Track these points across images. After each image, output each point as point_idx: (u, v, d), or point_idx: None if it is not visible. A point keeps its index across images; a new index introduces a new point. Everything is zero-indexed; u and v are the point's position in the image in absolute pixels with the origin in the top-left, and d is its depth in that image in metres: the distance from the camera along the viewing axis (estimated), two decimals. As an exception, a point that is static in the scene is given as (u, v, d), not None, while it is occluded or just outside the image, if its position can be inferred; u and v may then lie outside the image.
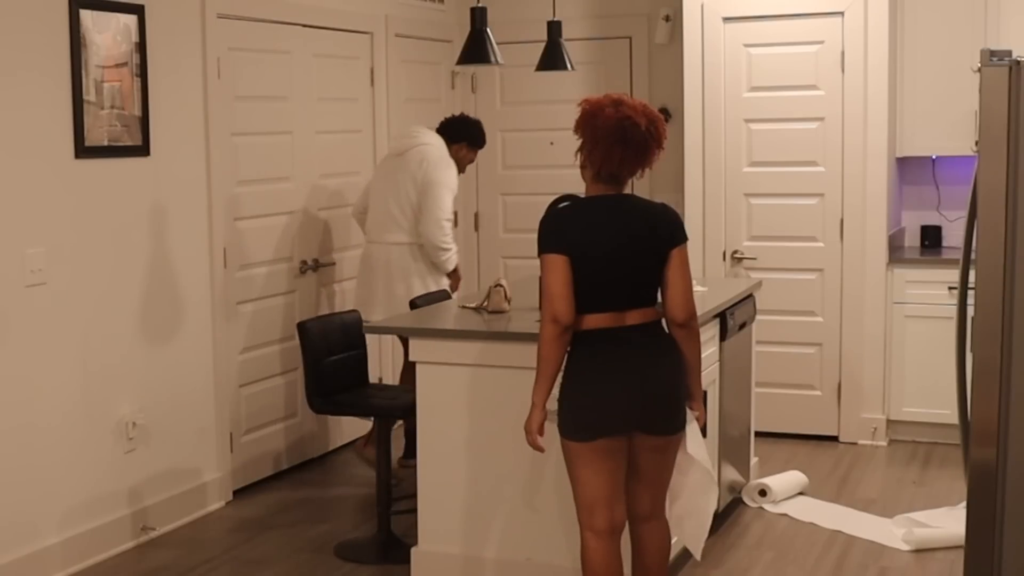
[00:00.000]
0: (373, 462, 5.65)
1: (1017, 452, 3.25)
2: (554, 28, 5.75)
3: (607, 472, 3.59)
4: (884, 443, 6.33)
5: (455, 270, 5.97)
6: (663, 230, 3.61)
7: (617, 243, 3.55)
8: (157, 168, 5.09)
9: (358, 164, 6.51)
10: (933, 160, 6.67)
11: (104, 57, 4.77)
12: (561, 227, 3.58)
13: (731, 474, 5.15)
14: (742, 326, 5.16)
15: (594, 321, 3.57)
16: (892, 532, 5.00)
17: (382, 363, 6.62)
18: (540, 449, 3.65)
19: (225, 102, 5.50)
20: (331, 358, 4.96)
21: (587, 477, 3.60)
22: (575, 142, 3.67)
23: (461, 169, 6.03)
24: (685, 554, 4.42)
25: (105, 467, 4.87)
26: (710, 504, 3.85)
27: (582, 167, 3.66)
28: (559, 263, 3.52)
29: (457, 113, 6.36)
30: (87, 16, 4.68)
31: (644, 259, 3.58)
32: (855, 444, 6.36)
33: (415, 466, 4.57)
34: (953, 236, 6.62)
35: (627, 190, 3.69)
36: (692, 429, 3.73)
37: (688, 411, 3.70)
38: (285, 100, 5.94)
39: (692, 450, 3.74)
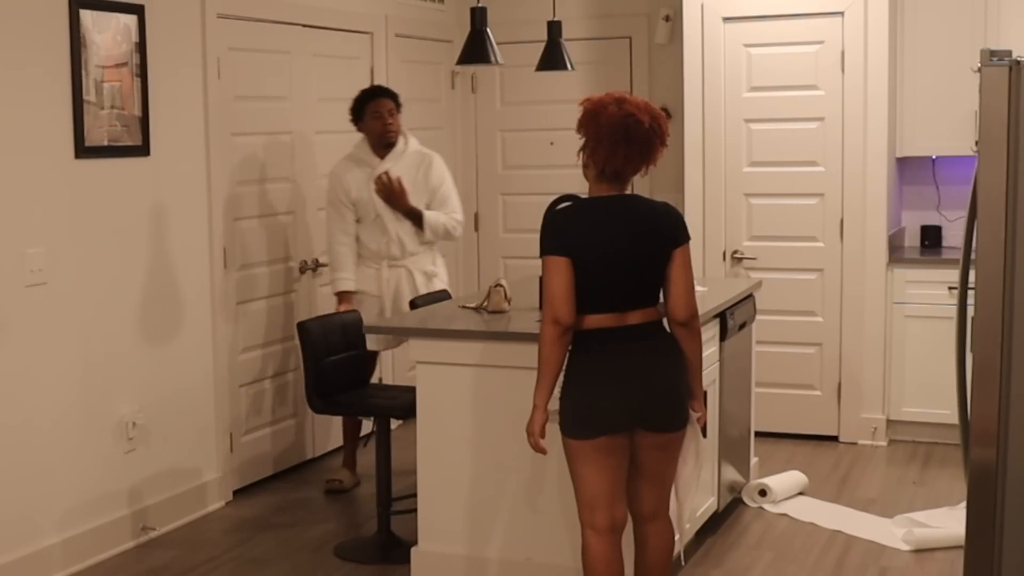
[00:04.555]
0: (345, 485, 5.71)
1: (1017, 452, 3.25)
2: (554, 28, 5.75)
3: (608, 470, 3.59)
4: (884, 443, 6.33)
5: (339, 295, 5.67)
6: (666, 229, 3.61)
7: (619, 244, 3.55)
8: (157, 168, 5.09)
9: (358, 164, 6.50)
10: (933, 160, 6.67)
11: (104, 57, 4.77)
12: (563, 228, 3.57)
13: (731, 474, 5.15)
14: (742, 326, 5.16)
15: (596, 321, 3.57)
16: (892, 532, 5.00)
17: (382, 363, 6.62)
18: (542, 451, 3.65)
19: (225, 102, 5.50)
20: (331, 358, 4.96)
21: (588, 475, 3.60)
22: (575, 142, 3.66)
23: (376, 136, 5.60)
24: (685, 554, 4.43)
25: (105, 467, 4.87)
26: (691, 506, 3.85)
27: (585, 167, 3.65)
28: (561, 265, 3.51)
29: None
30: (87, 16, 4.68)
31: (647, 259, 3.58)
32: (855, 444, 6.36)
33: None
34: (953, 236, 6.62)
35: (629, 189, 3.69)
36: (692, 431, 3.73)
37: (690, 411, 3.70)
38: (285, 100, 5.94)
39: (690, 451, 3.74)
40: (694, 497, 3.85)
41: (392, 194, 5.54)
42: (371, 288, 5.65)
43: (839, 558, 4.76)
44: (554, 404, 3.61)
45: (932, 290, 6.20)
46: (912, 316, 6.26)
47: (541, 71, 5.85)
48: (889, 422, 6.38)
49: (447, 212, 5.68)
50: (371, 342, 5.36)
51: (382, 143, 5.61)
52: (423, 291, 5.62)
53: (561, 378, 3.61)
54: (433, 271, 5.74)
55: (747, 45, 6.42)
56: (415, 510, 4.58)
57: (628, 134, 3.53)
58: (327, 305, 6.15)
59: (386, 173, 5.54)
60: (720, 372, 4.87)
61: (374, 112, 5.60)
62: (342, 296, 5.62)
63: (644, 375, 3.56)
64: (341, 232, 5.61)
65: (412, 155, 5.67)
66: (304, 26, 6.03)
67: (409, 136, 5.73)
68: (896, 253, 6.41)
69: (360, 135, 5.68)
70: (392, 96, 5.67)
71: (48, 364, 4.60)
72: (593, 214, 3.60)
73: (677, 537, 3.88)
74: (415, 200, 5.58)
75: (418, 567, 4.54)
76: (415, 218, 5.59)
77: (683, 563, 4.40)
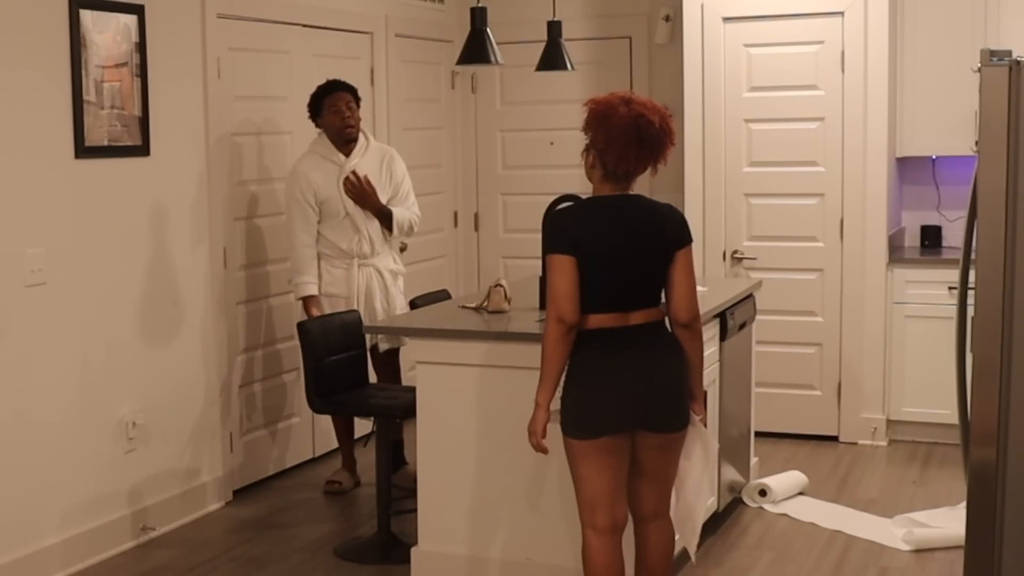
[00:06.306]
0: (345, 487, 5.70)
1: (1017, 452, 3.25)
2: (554, 28, 5.75)
3: (609, 470, 3.59)
4: (884, 443, 6.33)
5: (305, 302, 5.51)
6: (670, 231, 3.61)
7: (623, 244, 3.55)
8: (157, 168, 5.10)
9: (358, 164, 6.50)
10: (933, 160, 6.67)
11: (104, 57, 4.77)
12: (568, 227, 3.56)
13: (731, 474, 5.15)
14: (742, 326, 5.16)
15: (599, 321, 3.57)
16: (892, 532, 5.00)
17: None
18: (544, 451, 3.65)
19: (225, 102, 5.50)
20: (331, 358, 4.97)
21: (589, 475, 3.60)
22: (575, 142, 3.65)
23: (336, 131, 5.49)
24: (684, 554, 4.41)
25: (105, 467, 4.87)
26: (704, 507, 3.85)
27: (591, 167, 3.63)
28: (566, 264, 3.51)
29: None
30: (87, 16, 4.68)
31: (650, 260, 3.58)
32: (855, 444, 6.36)
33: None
34: (953, 236, 6.62)
35: (633, 189, 3.68)
36: (697, 432, 3.73)
37: (692, 413, 3.70)
38: (285, 100, 5.94)
39: (696, 452, 3.73)
40: (707, 498, 3.84)
41: (363, 193, 5.47)
42: (340, 289, 5.52)
43: (839, 558, 4.76)
44: (556, 404, 3.61)
45: (932, 290, 6.20)
46: (912, 316, 6.26)
47: (541, 71, 5.86)
48: (889, 422, 6.38)
49: (407, 207, 5.65)
50: (383, 340, 5.49)
51: (342, 139, 5.51)
52: (391, 289, 5.61)
53: (563, 378, 3.61)
54: (398, 269, 5.70)
55: (747, 45, 6.42)
56: (415, 510, 4.58)
57: (640, 135, 3.53)
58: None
59: (354, 172, 5.47)
60: (720, 372, 4.87)
61: (332, 107, 5.49)
62: (309, 301, 5.47)
63: (646, 375, 3.56)
64: (306, 233, 5.47)
65: (375, 151, 5.62)
66: (304, 26, 6.04)
67: (367, 131, 5.69)
68: (896, 253, 6.41)
69: (318, 131, 5.58)
70: (350, 90, 5.57)
71: (48, 364, 4.60)
72: (597, 213, 3.59)
73: (677, 537, 3.87)
74: (379, 196, 5.54)
75: (418, 567, 4.54)
76: (385, 216, 5.54)
77: (693, 560, 4.31)
